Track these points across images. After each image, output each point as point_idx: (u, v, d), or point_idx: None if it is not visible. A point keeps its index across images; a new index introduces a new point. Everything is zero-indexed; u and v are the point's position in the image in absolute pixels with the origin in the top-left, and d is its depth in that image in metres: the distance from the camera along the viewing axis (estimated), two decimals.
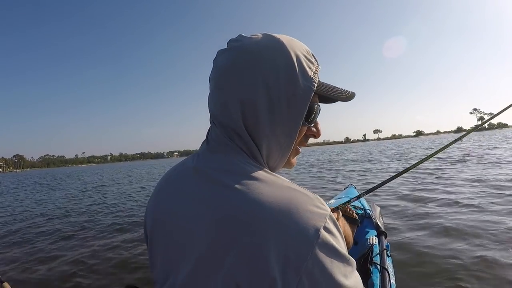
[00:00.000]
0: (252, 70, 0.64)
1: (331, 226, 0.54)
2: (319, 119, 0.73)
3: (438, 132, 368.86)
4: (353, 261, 0.56)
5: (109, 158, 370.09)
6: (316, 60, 0.70)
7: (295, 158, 0.76)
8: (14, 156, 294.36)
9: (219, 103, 0.68)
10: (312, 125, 0.72)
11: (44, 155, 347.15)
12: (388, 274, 1.45)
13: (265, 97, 0.63)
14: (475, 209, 5.28)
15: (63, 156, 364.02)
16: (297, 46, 0.67)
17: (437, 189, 7.40)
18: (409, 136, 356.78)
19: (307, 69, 0.65)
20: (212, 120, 0.72)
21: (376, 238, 1.71)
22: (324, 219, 0.54)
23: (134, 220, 7.09)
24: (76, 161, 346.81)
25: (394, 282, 1.49)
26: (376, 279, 1.43)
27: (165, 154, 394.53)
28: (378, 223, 1.85)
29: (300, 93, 0.64)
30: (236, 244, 0.53)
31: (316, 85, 0.66)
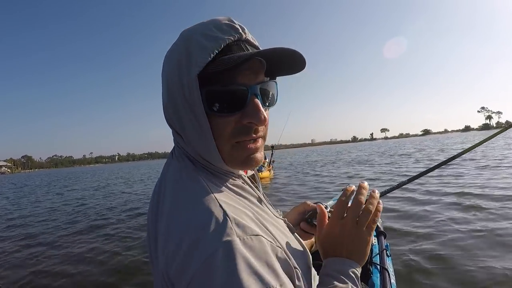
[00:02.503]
0: (162, 74, 0.66)
1: (218, 258, 0.47)
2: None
3: (445, 131, 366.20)
4: None
5: (116, 158, 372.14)
6: (232, 29, 0.61)
7: (255, 155, 0.65)
8: (22, 156, 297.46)
9: None
10: (242, 110, 0.60)
11: (52, 156, 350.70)
12: (388, 274, 1.45)
13: (169, 97, 0.63)
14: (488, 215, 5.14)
15: (71, 156, 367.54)
16: (196, 29, 0.62)
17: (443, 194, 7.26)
18: (416, 135, 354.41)
19: (196, 52, 0.58)
20: None
21: (375, 238, 1.69)
22: (213, 248, 0.48)
23: (130, 224, 7.07)
24: (84, 161, 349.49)
25: (394, 282, 1.49)
26: (377, 279, 1.43)
27: None
28: (377, 223, 1.76)
29: (188, 82, 0.58)
30: (153, 259, 0.60)
31: (200, 68, 0.57)
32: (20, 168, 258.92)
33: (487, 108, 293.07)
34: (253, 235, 0.52)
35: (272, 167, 15.93)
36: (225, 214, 0.53)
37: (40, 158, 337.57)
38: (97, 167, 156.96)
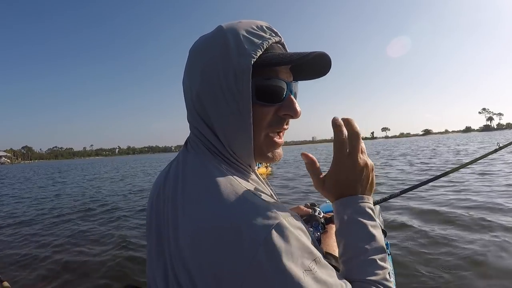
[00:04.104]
0: (194, 64, 0.67)
1: (275, 239, 0.50)
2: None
3: (446, 132, 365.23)
4: (308, 275, 0.50)
5: (117, 151, 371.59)
6: (273, 32, 0.67)
7: (278, 150, 0.70)
8: (22, 147, 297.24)
9: (186, 105, 0.71)
10: (280, 103, 0.66)
11: (53, 147, 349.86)
12: (388, 273, 1.26)
13: (206, 86, 0.63)
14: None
15: (71, 148, 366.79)
16: (239, 26, 0.65)
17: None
18: (417, 135, 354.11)
19: (246, 45, 0.62)
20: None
21: None
22: (266, 232, 0.50)
23: (137, 220, 7.07)
24: (84, 153, 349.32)
25: (394, 281, 1.50)
26: None
27: (173, 147, 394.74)
28: (378, 221, 1.65)
29: (238, 71, 0.61)
30: (186, 252, 0.55)
31: (254, 58, 0.61)
32: (20, 159, 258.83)
33: (488, 109, 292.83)
34: (291, 215, 0.56)
35: (269, 164, 15.95)
36: (263, 200, 0.56)
37: (40, 149, 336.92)
38: (97, 160, 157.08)
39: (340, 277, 0.57)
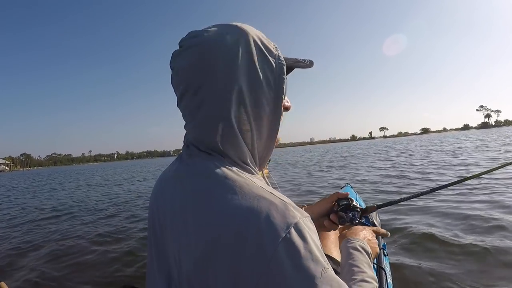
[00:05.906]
0: (225, 61, 0.63)
1: (294, 237, 0.51)
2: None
3: (444, 130, 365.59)
4: (325, 273, 0.51)
5: (115, 157, 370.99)
6: (276, 48, 0.71)
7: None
8: (21, 155, 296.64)
9: (198, 103, 0.66)
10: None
11: (51, 154, 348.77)
12: (385, 273, 1.47)
13: (246, 83, 0.63)
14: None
15: (70, 154, 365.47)
16: (253, 29, 0.67)
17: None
18: (415, 134, 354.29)
19: (271, 47, 0.66)
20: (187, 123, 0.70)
21: None
22: (286, 230, 0.51)
23: (138, 223, 6.98)
24: (83, 159, 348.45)
25: (391, 281, 1.51)
26: None
27: (172, 152, 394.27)
28: (375, 222, 1.86)
29: (276, 70, 0.64)
30: (201, 253, 0.55)
31: (283, 61, 0.67)
32: (19, 166, 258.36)
33: (486, 106, 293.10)
34: (307, 216, 0.57)
35: (267, 165, 15.89)
36: (281, 199, 0.57)
37: (39, 156, 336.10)
38: (96, 165, 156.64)
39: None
